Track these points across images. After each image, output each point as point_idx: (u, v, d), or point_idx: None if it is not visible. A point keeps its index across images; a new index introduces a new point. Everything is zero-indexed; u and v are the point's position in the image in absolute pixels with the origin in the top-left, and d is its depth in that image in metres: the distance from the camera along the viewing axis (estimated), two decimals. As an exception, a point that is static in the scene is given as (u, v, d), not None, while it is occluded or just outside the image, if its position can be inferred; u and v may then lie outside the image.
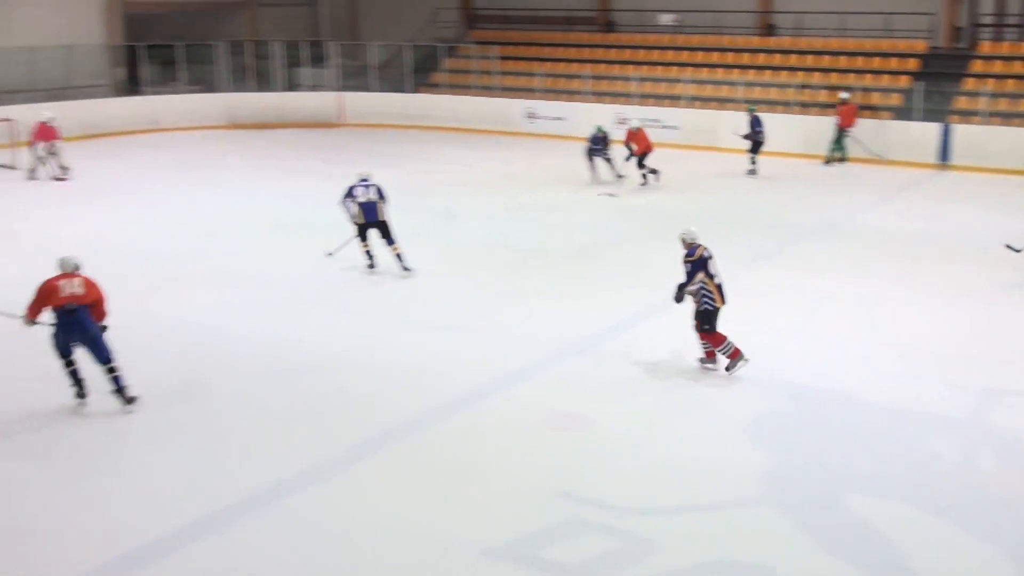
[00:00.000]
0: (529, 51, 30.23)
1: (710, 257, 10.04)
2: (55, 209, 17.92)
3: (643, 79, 27.00)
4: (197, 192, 19.50)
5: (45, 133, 19.97)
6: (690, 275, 9.97)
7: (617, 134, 21.28)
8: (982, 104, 22.71)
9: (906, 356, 10.80)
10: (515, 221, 17.26)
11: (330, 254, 14.27)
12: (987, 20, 26.18)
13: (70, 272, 9.19)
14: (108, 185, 20.07)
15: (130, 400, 9.33)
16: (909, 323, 11.89)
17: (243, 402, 9.64)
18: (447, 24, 32.42)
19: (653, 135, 20.68)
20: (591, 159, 20.42)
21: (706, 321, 10.04)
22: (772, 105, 24.72)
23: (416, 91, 29.48)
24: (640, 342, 11.21)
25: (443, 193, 19.23)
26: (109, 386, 9.25)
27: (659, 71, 27.60)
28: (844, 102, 22.76)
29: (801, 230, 16.69)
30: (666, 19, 29.45)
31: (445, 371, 10.36)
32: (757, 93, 25.27)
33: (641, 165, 19.99)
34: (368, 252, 13.79)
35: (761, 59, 26.86)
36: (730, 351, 10.05)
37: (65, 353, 9.20)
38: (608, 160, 20.37)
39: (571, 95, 27.72)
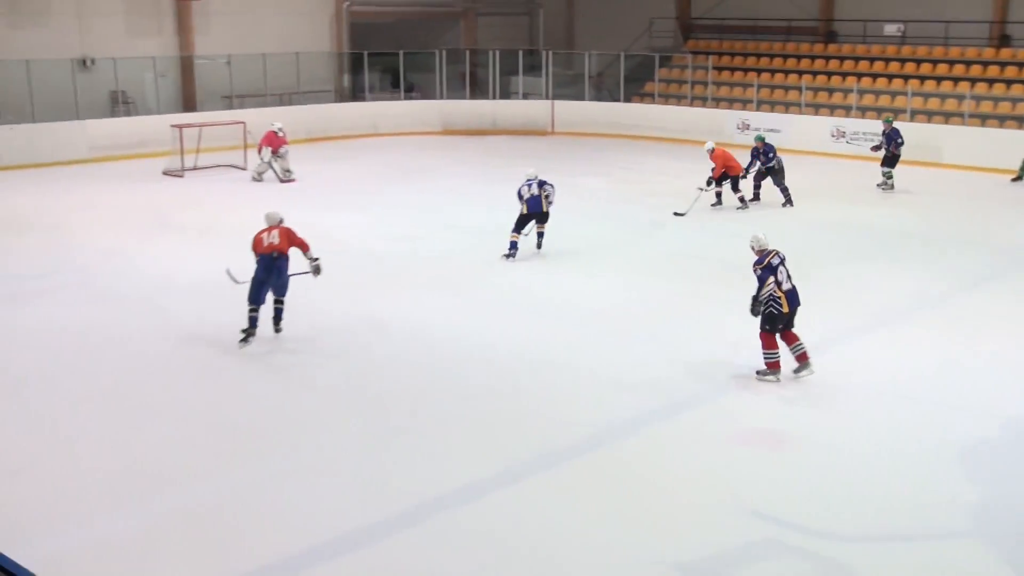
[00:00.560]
0: (745, 61, 29.70)
1: (780, 263, 9.99)
2: (282, 209, 18.81)
3: (863, 91, 26.02)
4: (411, 195, 20.11)
5: (272, 140, 21.03)
6: (761, 280, 9.94)
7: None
8: None
9: None
10: (718, 234, 16.94)
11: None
12: None
13: (273, 225, 11.17)
14: (330, 187, 20.99)
15: (278, 330, 11.31)
16: None
17: (441, 402, 9.83)
18: (663, 34, 32.24)
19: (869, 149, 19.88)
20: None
21: (768, 323, 9.99)
22: (1003, 120, 23.31)
23: (628, 101, 29.46)
24: (840, 362, 10.76)
25: (650, 203, 19.10)
26: (272, 314, 11.21)
27: (881, 83, 26.54)
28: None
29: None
30: (891, 29, 28.27)
31: (637, 383, 10.25)
32: (987, 107, 23.91)
33: (735, 188, 18.41)
34: (513, 243, 14.84)
35: (992, 71, 25.37)
36: (773, 360, 10.02)
37: (255, 300, 10.97)
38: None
39: (787, 107, 27.03)
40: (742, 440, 8.89)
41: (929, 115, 24.69)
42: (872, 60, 27.53)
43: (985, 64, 25.73)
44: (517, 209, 14.93)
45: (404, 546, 7.20)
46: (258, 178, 21.28)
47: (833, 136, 24.74)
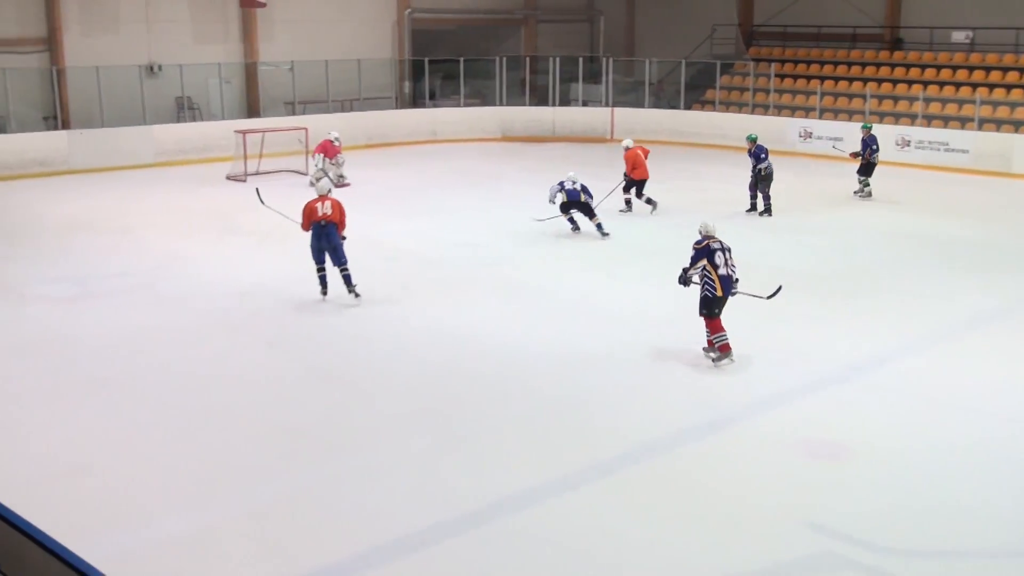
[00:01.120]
0: (808, 69, 29.38)
1: (719, 250, 10.63)
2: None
3: (929, 99, 25.61)
4: (470, 201, 20.17)
5: (328, 149, 21.22)
6: (692, 260, 10.70)
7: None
8: None
9: None
10: (775, 242, 16.76)
11: (540, 220, 17.06)
12: None
13: (324, 195, 12.78)
14: (389, 193, 21.11)
15: (356, 294, 12.75)
16: None
17: (499, 409, 9.86)
18: (725, 41, 32.01)
19: (937, 158, 19.48)
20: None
21: (705, 306, 10.71)
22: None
23: (689, 108, 29.28)
24: (904, 374, 10.62)
25: (709, 212, 18.91)
26: (342, 284, 12.71)
27: (948, 91, 26.10)
28: None
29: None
30: (959, 36, 27.79)
31: (697, 391, 10.20)
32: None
33: (639, 193, 18.48)
34: (571, 219, 16.77)
35: (1065, 79, 24.86)
36: (721, 343, 10.65)
37: (318, 260, 12.74)
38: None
39: (850, 115, 26.68)
40: (802, 450, 8.79)
41: (998, 124, 24.23)
42: (939, 68, 27.06)
43: (1057, 72, 25.21)
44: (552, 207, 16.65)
45: (461, 551, 7.22)
46: (316, 184, 21.47)
47: (898, 145, 24.36)
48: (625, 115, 29.32)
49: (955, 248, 16.31)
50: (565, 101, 30.74)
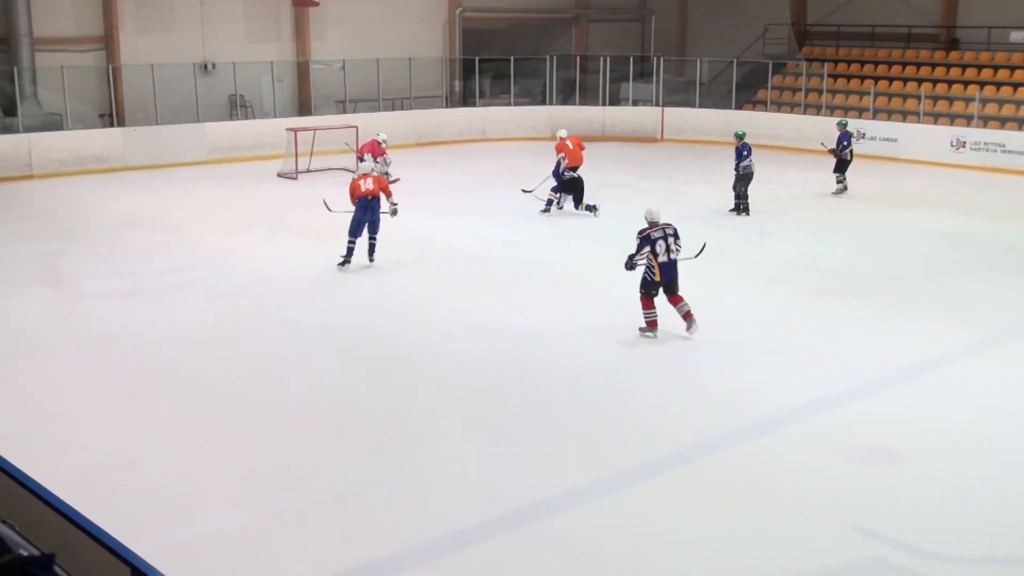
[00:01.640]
0: (861, 69, 29.04)
1: (661, 237, 11.31)
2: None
3: (986, 100, 25.19)
4: (520, 199, 20.16)
5: (375, 149, 21.30)
6: (637, 247, 11.40)
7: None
8: None
9: None
10: (829, 243, 16.59)
11: (527, 191, 18.75)
12: None
13: (367, 174, 14.37)
14: (439, 191, 21.20)
15: (372, 260, 14.36)
16: None
17: (547, 408, 9.85)
18: (777, 40, 31.72)
19: (994, 160, 19.12)
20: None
21: (643, 287, 11.48)
22: None
23: (740, 108, 29.06)
24: (955, 378, 10.47)
25: (756, 211, 18.79)
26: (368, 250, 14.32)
27: (1005, 91, 25.65)
28: None
29: None
30: (1018, 36, 27.30)
31: (747, 392, 10.12)
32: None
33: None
34: (557, 202, 18.37)
35: None
36: (650, 319, 11.48)
37: (355, 233, 14.19)
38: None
39: (904, 115, 26.33)
40: (850, 454, 8.69)
41: (1056, 125, 23.79)
42: (996, 68, 26.62)
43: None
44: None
45: (507, 549, 7.23)
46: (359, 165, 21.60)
47: (953, 146, 24.01)
48: (675, 114, 29.17)
49: (1011, 251, 16.03)
50: (615, 100, 30.63)
